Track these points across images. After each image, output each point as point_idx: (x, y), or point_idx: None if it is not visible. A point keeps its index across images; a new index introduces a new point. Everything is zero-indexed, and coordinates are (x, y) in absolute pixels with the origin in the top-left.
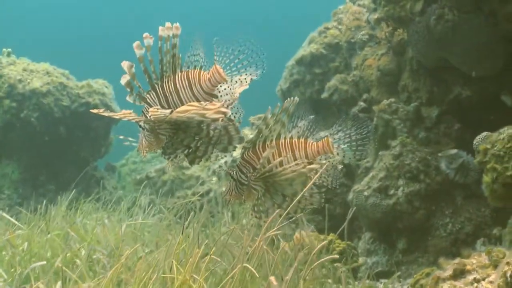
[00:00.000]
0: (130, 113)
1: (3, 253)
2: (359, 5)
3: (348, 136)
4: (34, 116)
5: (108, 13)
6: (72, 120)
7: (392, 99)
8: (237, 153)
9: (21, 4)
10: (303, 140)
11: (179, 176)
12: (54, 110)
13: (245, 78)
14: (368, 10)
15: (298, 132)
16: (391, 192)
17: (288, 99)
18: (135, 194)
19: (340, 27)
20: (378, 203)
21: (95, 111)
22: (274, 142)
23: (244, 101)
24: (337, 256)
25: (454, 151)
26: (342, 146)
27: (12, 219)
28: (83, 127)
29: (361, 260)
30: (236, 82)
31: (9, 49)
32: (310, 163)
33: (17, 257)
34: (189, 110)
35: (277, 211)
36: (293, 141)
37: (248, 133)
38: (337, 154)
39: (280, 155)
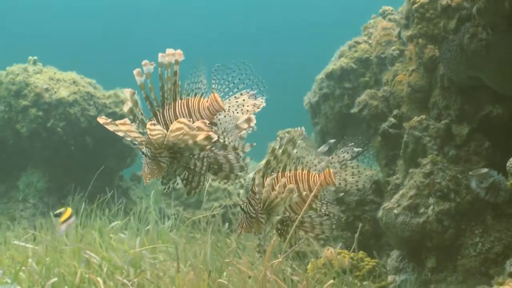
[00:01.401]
0: (132, 125)
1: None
2: (389, 19)
3: (349, 164)
4: (60, 125)
5: (136, 21)
6: (98, 130)
7: (423, 116)
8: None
9: (43, 11)
10: (306, 172)
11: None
12: (81, 120)
13: (248, 106)
14: (398, 25)
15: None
16: (421, 210)
17: (296, 129)
18: (161, 205)
19: (370, 41)
20: (408, 221)
21: (101, 121)
22: (280, 174)
23: (271, 114)
24: None
25: (485, 170)
26: (344, 176)
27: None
28: (109, 137)
29: (389, 278)
30: (237, 110)
31: (35, 57)
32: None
33: (36, 276)
34: (180, 128)
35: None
36: (297, 172)
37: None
38: (339, 184)
39: (285, 187)
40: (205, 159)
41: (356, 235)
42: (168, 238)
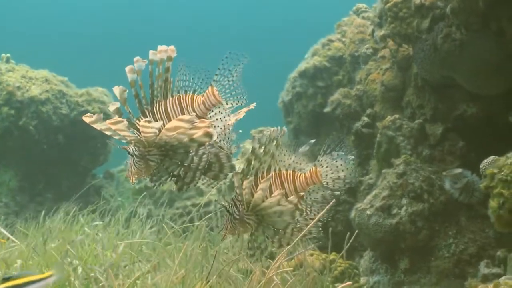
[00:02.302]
0: (123, 121)
1: None
2: (363, 17)
3: (335, 164)
4: (32, 124)
5: (109, 18)
6: (71, 128)
7: (396, 115)
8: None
9: (16, 8)
10: (291, 172)
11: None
12: (53, 118)
13: (236, 104)
14: (372, 23)
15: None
16: (394, 211)
17: (275, 128)
18: (134, 204)
19: (344, 39)
20: (381, 222)
21: (87, 119)
22: (265, 174)
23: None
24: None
25: (459, 170)
26: (330, 174)
27: (8, 234)
28: (82, 135)
29: (362, 280)
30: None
31: (8, 55)
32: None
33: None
34: (178, 127)
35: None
36: (282, 173)
37: (248, 147)
38: (327, 183)
39: (271, 189)
40: (204, 156)
41: (347, 240)
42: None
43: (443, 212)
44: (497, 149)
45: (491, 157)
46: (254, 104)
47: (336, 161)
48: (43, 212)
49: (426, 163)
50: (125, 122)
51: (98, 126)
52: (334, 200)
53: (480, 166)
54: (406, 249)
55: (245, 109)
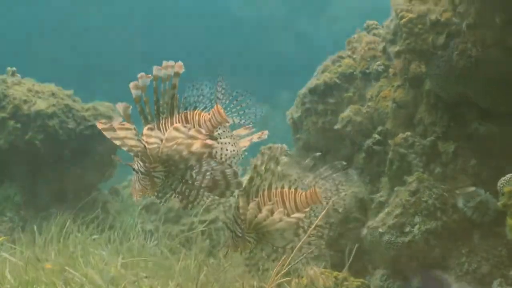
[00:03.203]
0: (132, 128)
1: None
2: (374, 34)
3: (334, 184)
4: (38, 138)
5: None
6: (77, 143)
7: (409, 133)
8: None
9: (19, 22)
10: (293, 190)
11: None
12: (59, 133)
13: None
14: (383, 40)
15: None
16: (407, 229)
17: (276, 145)
18: (139, 220)
19: (354, 56)
20: (393, 240)
21: (100, 125)
22: (266, 191)
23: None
24: None
25: (472, 188)
26: (330, 194)
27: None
28: (88, 150)
29: None
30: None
31: (14, 68)
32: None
33: None
34: (176, 137)
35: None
36: (284, 191)
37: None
38: (326, 203)
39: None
40: (208, 173)
41: (348, 254)
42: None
43: (456, 230)
44: (511, 167)
45: (509, 175)
46: (267, 132)
47: (336, 182)
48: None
49: (438, 181)
50: (134, 129)
51: (108, 135)
52: (324, 211)
53: (498, 184)
54: (418, 267)
55: (256, 136)
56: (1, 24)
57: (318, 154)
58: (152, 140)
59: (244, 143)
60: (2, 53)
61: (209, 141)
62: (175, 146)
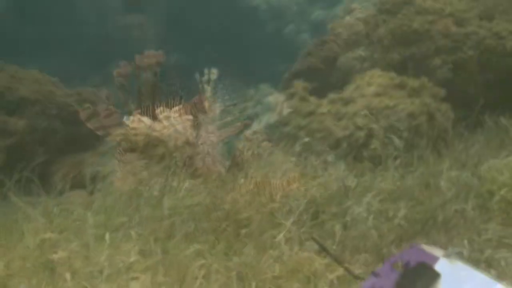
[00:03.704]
0: (116, 112)
1: None
2: (357, 18)
3: None
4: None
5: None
6: (59, 129)
7: None
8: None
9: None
10: None
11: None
12: (42, 119)
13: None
14: (366, 23)
15: None
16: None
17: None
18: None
19: (337, 41)
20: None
21: (82, 116)
22: None
23: None
24: None
25: None
26: None
27: None
28: (71, 136)
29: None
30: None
31: None
32: None
33: None
34: (165, 126)
35: None
36: None
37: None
38: None
39: None
40: (187, 160)
41: None
42: None
43: None
44: None
45: None
46: (249, 122)
47: None
48: None
49: None
50: (119, 113)
51: (91, 125)
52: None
53: None
54: None
55: (238, 125)
56: None
57: None
58: (140, 125)
59: (224, 134)
60: None
61: (192, 139)
62: (162, 135)
